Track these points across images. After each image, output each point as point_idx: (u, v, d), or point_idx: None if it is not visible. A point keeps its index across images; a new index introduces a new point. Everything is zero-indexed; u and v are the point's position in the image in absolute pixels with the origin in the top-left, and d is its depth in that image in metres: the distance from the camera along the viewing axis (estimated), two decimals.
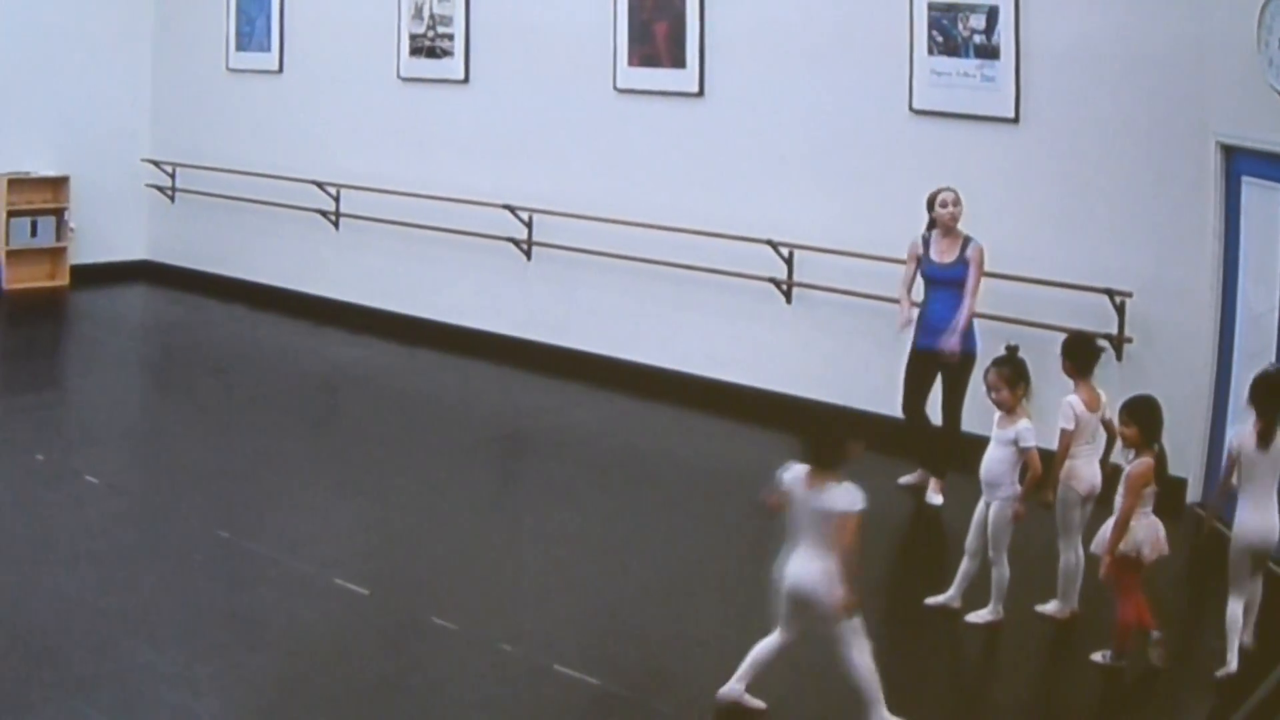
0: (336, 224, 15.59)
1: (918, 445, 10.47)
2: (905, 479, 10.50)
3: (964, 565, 8.11)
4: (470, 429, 11.89)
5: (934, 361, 10.13)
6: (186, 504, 9.56)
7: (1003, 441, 7.88)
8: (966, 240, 10.07)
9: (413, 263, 14.93)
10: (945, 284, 10.07)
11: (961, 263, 10.02)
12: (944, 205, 10.06)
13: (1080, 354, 8.24)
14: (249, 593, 8.13)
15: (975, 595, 8.06)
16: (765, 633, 6.73)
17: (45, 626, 7.47)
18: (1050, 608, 8.11)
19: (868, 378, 11.44)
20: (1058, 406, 7.98)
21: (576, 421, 12.13)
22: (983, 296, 10.15)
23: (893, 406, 10.75)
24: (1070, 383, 8.10)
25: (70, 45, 16.90)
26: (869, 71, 11.51)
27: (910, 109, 11.28)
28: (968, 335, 10.00)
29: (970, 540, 8.06)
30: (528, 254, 13.84)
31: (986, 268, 10.11)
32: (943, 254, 10.10)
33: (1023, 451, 7.84)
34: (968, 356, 9.96)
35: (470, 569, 8.71)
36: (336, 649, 7.48)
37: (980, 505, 8.01)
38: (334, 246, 15.73)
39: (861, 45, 11.55)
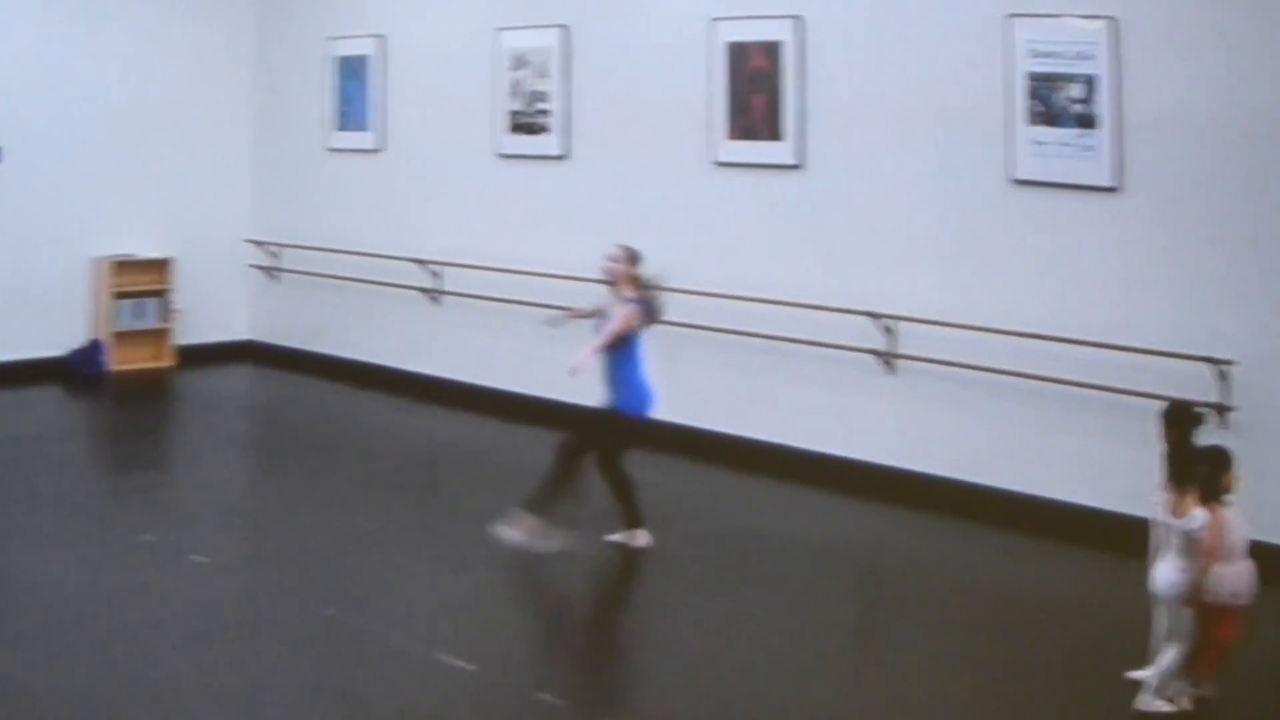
0: (438, 301, 15.71)
1: None
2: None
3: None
4: (573, 503, 11.87)
5: None
6: (292, 582, 9.63)
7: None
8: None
9: (512, 338, 14.95)
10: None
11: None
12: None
13: (1183, 422, 7.80)
14: (354, 670, 8.14)
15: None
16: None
17: (153, 707, 7.52)
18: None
19: (969, 449, 11.38)
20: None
21: (678, 495, 12.07)
22: (1084, 364, 10.24)
23: (992, 477, 10.66)
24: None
25: (172, 128, 17.24)
26: (968, 142, 11.45)
27: (1010, 179, 11.23)
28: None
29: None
30: None
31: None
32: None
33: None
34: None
35: (576, 644, 8.69)
36: None
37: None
38: (435, 324, 15.84)
39: (960, 115, 11.50)
